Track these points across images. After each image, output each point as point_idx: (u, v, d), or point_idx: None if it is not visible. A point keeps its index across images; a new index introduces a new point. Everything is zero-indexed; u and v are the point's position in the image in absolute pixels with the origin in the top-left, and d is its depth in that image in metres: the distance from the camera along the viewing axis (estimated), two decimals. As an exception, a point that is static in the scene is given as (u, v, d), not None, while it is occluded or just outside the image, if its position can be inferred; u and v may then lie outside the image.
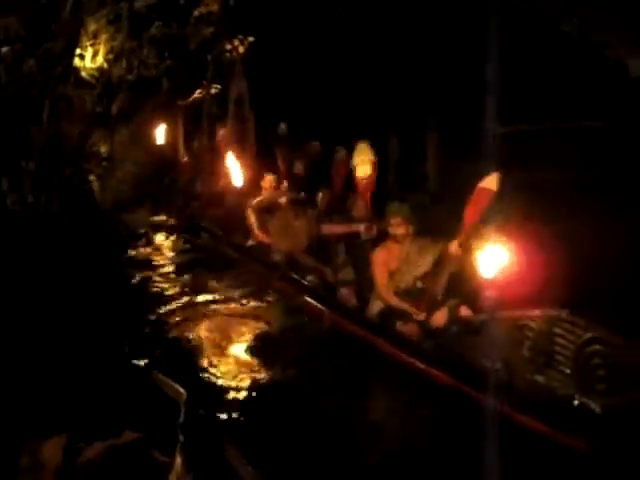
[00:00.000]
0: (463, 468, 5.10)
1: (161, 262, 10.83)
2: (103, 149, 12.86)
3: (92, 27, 13.09)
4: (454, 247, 6.98)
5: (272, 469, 5.12)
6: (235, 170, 11.00)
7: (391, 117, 13.40)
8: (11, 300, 7.29)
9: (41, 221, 9.20)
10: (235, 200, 11.26)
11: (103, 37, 13.08)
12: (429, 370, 6.53)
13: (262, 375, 6.91)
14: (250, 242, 10.51)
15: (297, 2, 13.66)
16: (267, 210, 10.26)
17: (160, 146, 15.20)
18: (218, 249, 11.14)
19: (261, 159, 12.26)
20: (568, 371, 5.71)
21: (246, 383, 6.71)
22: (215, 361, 7.21)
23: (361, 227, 8.64)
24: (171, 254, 11.43)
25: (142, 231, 12.46)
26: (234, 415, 6.06)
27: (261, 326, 8.27)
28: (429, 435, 5.62)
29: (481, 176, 7.45)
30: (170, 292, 9.44)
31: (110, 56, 12.98)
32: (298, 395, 6.45)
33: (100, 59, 12.97)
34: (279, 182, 10.86)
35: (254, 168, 11.57)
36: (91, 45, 12.88)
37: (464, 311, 7.01)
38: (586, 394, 5.42)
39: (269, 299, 9.09)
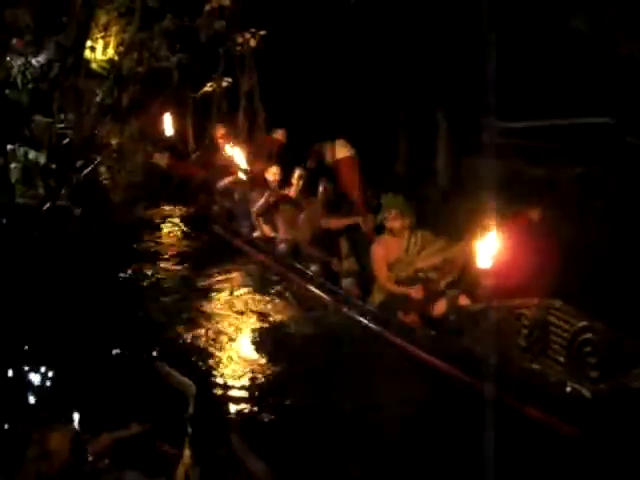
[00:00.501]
0: (459, 451, 5.37)
1: (169, 253, 10.86)
2: (113, 141, 12.85)
3: (103, 19, 13.08)
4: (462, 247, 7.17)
5: (280, 462, 5.11)
6: (242, 163, 11.07)
7: (401, 112, 13.38)
8: (22, 291, 7.29)
9: (51, 213, 9.18)
10: (242, 191, 11.37)
11: (114, 29, 13.09)
12: (428, 358, 6.75)
13: (269, 368, 6.91)
14: (256, 234, 10.63)
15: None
16: (273, 206, 10.39)
17: (170, 138, 15.22)
18: (225, 240, 11.23)
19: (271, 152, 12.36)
20: (561, 359, 5.91)
21: (254, 376, 6.71)
22: (222, 354, 7.21)
23: (359, 219, 8.70)
24: (179, 245, 11.46)
25: (152, 222, 12.52)
26: (242, 408, 6.06)
27: (267, 317, 8.29)
28: (428, 420, 5.87)
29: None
30: (175, 283, 9.48)
31: (121, 48, 12.96)
32: (305, 387, 6.46)
33: (111, 51, 12.97)
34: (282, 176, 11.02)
35: (263, 161, 11.66)
36: (102, 37, 12.89)
37: (463, 300, 7.17)
38: (578, 381, 5.66)
39: (274, 290, 9.16)
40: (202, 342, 7.56)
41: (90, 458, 4.71)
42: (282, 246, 10.07)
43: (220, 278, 9.68)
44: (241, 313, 8.47)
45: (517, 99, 10.89)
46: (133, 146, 14.05)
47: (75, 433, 4.80)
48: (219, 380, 6.63)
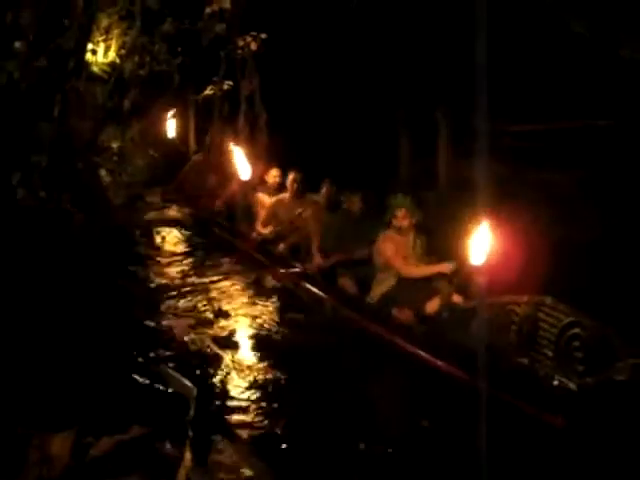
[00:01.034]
0: (452, 444, 5.61)
1: (168, 254, 10.90)
2: (114, 144, 12.86)
3: (104, 22, 13.07)
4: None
5: (280, 463, 5.13)
6: (242, 164, 11.19)
7: (403, 114, 13.39)
8: (20, 294, 7.28)
9: (52, 216, 9.18)
10: (242, 193, 11.53)
11: (115, 32, 13.06)
12: (421, 353, 6.97)
13: (268, 370, 6.93)
14: (255, 234, 11.04)
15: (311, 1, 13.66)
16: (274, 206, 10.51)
17: (172, 141, 15.28)
18: (225, 240, 11.39)
19: (272, 154, 12.45)
20: (550, 353, 6.16)
21: (253, 378, 6.71)
22: (223, 356, 7.22)
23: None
24: (179, 246, 11.52)
25: (152, 224, 12.56)
26: (242, 410, 6.06)
27: (267, 317, 8.32)
28: (421, 414, 6.08)
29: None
30: (176, 283, 9.50)
31: (122, 51, 12.97)
32: (304, 388, 6.48)
33: (112, 54, 12.95)
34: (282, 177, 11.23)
35: (264, 163, 11.78)
36: (103, 40, 12.87)
37: (456, 297, 7.47)
38: (565, 374, 5.93)
39: (271, 287, 9.24)
40: (200, 342, 7.57)
41: (91, 462, 4.71)
42: (282, 246, 10.34)
43: (217, 278, 9.75)
44: (241, 310, 8.53)
45: (519, 102, 10.93)
46: (134, 149, 14.06)
47: (76, 437, 4.79)
48: (219, 382, 6.63)
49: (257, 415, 6.07)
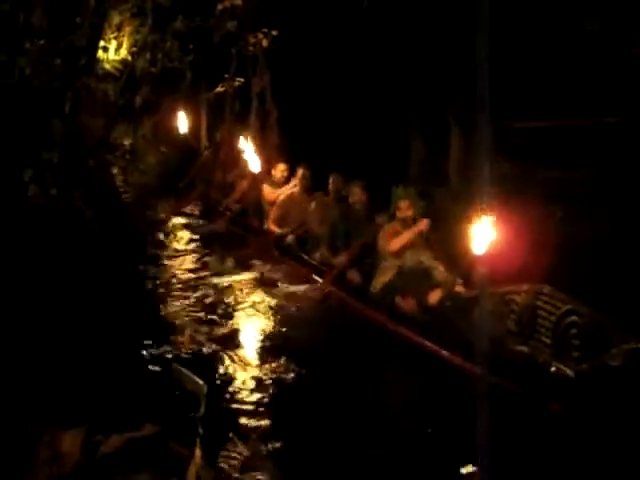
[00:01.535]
0: (453, 429, 5.75)
1: (180, 251, 10.91)
2: (126, 141, 12.87)
3: (116, 20, 13.07)
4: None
5: (289, 461, 5.13)
6: (252, 159, 11.27)
7: (414, 112, 13.36)
8: (32, 291, 7.30)
9: (63, 213, 9.20)
10: (252, 187, 11.66)
11: (127, 30, 13.06)
12: (424, 341, 7.24)
13: (279, 368, 6.92)
14: (265, 227, 11.46)
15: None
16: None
17: (183, 138, 15.30)
18: (235, 233, 11.48)
19: (283, 150, 12.51)
20: (548, 341, 6.40)
21: (263, 376, 6.71)
22: (232, 353, 7.22)
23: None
24: (190, 243, 11.53)
25: (164, 220, 12.59)
26: (253, 408, 6.06)
27: (275, 312, 8.34)
28: (423, 401, 6.36)
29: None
30: (185, 278, 9.51)
31: (134, 49, 12.97)
32: (313, 387, 6.48)
33: (124, 52, 12.95)
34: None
35: (274, 158, 11.88)
36: (115, 38, 12.86)
37: (458, 287, 7.67)
38: (562, 361, 6.12)
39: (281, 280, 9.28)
40: (210, 339, 7.57)
41: (101, 459, 4.72)
42: (290, 237, 10.66)
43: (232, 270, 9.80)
44: (251, 306, 8.54)
45: (530, 99, 10.89)
46: (146, 147, 14.07)
47: (86, 434, 4.80)
48: (230, 379, 6.62)
49: (266, 412, 6.07)
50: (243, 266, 10.30)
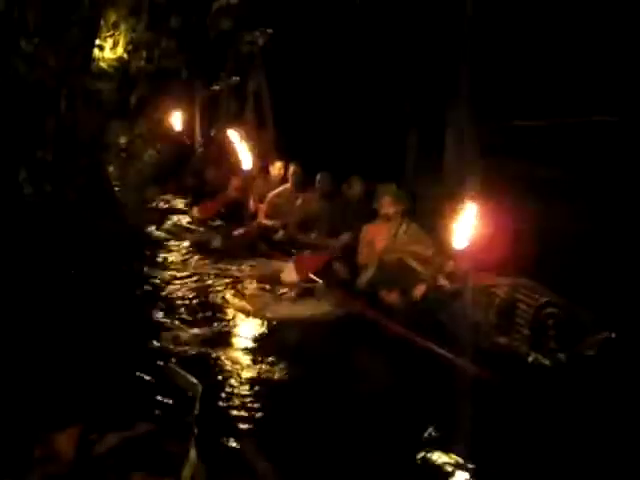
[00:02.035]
0: (433, 415, 5.82)
1: (173, 249, 10.92)
2: (122, 140, 12.90)
3: (112, 18, 13.09)
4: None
5: (286, 461, 5.12)
6: (244, 156, 11.34)
7: (411, 112, 13.37)
8: (26, 291, 7.30)
9: (58, 212, 9.20)
10: (244, 184, 11.77)
11: (123, 28, 13.09)
12: (407, 333, 7.23)
13: (272, 367, 6.93)
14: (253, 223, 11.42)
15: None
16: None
17: (178, 136, 15.29)
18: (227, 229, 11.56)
19: (278, 148, 12.57)
20: (527, 332, 6.47)
21: (257, 375, 6.71)
22: (227, 352, 7.22)
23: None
24: (184, 241, 11.54)
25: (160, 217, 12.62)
26: (248, 407, 6.05)
27: (269, 311, 8.35)
28: (405, 389, 6.33)
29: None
30: (180, 275, 9.53)
31: (129, 47, 13.00)
32: (305, 384, 6.50)
33: (120, 50, 12.98)
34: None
35: (270, 156, 11.93)
36: (110, 36, 12.90)
37: (442, 281, 7.67)
38: (540, 351, 6.29)
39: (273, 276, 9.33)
40: (205, 339, 7.57)
41: (96, 458, 4.71)
42: (280, 233, 10.70)
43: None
44: (244, 305, 8.56)
45: (525, 98, 10.90)
46: (142, 145, 14.08)
47: (81, 434, 4.79)
48: (225, 378, 6.62)
49: (263, 411, 6.07)
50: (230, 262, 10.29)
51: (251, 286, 9.15)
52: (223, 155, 12.92)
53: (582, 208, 9.44)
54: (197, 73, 14.66)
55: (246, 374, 6.70)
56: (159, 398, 5.77)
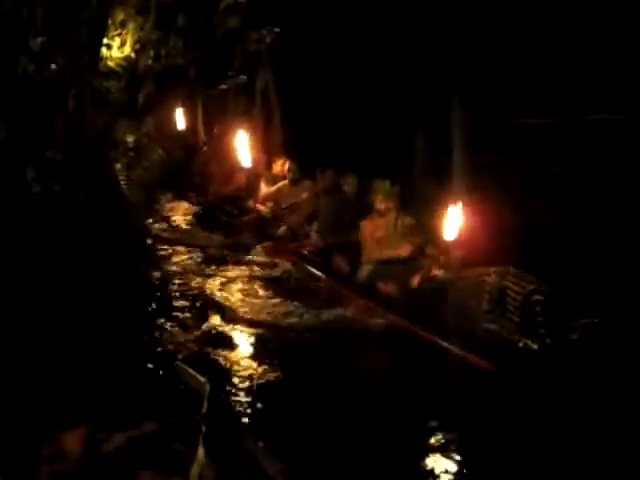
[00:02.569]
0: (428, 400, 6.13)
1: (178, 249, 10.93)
2: (129, 138, 12.90)
3: (120, 17, 13.10)
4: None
5: (295, 461, 5.12)
6: (244, 153, 11.54)
7: (418, 110, 13.35)
8: (34, 289, 7.32)
9: (66, 211, 9.21)
10: (245, 181, 12.17)
11: (130, 27, 13.10)
12: (403, 322, 7.60)
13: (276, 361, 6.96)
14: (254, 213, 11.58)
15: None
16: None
17: (183, 134, 15.29)
18: (229, 225, 11.68)
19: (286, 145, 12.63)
20: (517, 319, 6.81)
21: (263, 373, 6.71)
22: (231, 351, 7.22)
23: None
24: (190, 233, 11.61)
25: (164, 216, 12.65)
26: (256, 406, 6.05)
27: (277, 307, 8.39)
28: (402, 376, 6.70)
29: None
30: (182, 275, 9.55)
31: (137, 46, 13.00)
32: (314, 384, 6.51)
33: (127, 49, 12.99)
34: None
35: (278, 154, 11.98)
36: (118, 35, 12.90)
37: (436, 271, 7.99)
38: (529, 337, 6.64)
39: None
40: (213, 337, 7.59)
41: (104, 457, 4.71)
42: (282, 229, 10.80)
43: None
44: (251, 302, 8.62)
45: (530, 96, 10.90)
46: (150, 144, 14.08)
47: (89, 433, 4.80)
48: (233, 377, 6.62)
49: (271, 410, 6.07)
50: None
51: (249, 286, 9.21)
52: (226, 152, 12.93)
53: (581, 205, 9.58)
54: (204, 71, 14.65)
55: (252, 372, 6.71)
56: (167, 397, 5.79)
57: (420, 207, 8.97)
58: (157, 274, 9.61)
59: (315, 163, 10.90)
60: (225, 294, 8.88)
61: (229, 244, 10.79)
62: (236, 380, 6.55)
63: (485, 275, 7.24)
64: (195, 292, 8.98)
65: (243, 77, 14.17)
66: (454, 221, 7.25)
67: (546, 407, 5.83)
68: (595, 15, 10.61)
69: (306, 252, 9.85)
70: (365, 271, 8.60)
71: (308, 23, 13.51)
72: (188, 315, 8.14)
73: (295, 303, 8.50)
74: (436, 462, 5.37)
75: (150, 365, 6.57)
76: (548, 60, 11.19)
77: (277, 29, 13.27)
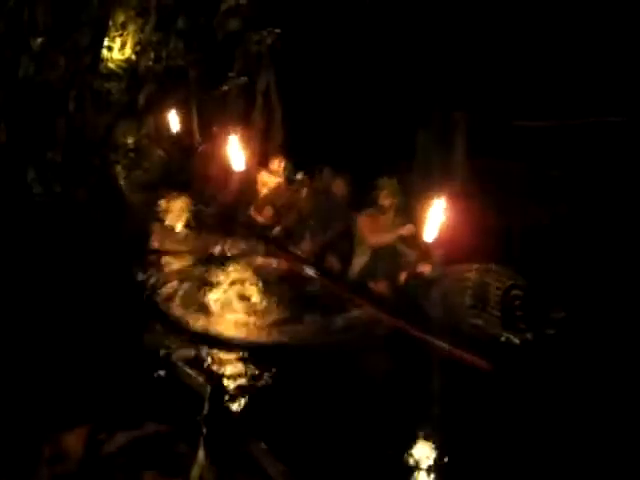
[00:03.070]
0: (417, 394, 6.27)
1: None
2: (129, 140, 12.89)
3: (120, 19, 13.08)
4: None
5: (296, 462, 5.11)
6: (237, 155, 11.67)
7: (421, 111, 13.36)
8: (34, 290, 7.31)
9: (67, 212, 9.21)
10: (241, 182, 12.02)
11: (131, 28, 13.08)
12: (391, 317, 7.76)
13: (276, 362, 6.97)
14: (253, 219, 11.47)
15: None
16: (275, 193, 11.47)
17: (180, 136, 15.30)
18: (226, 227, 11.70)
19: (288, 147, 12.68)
20: (498, 313, 7.02)
21: (263, 374, 6.72)
22: (230, 353, 7.22)
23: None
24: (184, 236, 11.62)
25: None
26: (256, 407, 6.06)
27: (274, 307, 8.40)
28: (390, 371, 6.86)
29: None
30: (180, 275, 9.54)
31: (138, 47, 13.00)
32: (315, 385, 6.51)
33: (128, 50, 12.97)
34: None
35: (279, 155, 12.02)
36: (119, 36, 12.88)
37: (423, 268, 8.06)
38: (511, 331, 6.88)
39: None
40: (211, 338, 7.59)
41: (105, 458, 4.72)
42: (276, 229, 10.77)
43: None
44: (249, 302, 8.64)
45: (534, 98, 10.90)
46: (150, 145, 14.09)
47: (90, 433, 4.80)
48: (233, 379, 6.62)
49: (272, 411, 6.07)
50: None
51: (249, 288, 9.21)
52: (223, 154, 12.95)
53: (581, 206, 9.67)
54: (205, 73, 14.66)
55: (251, 374, 6.71)
56: (168, 398, 5.79)
57: (416, 204, 9.05)
58: (156, 276, 9.57)
59: (312, 162, 10.99)
60: (223, 296, 8.86)
61: (225, 247, 10.78)
62: (236, 381, 6.56)
63: (467, 272, 7.48)
64: (193, 295, 8.96)
65: (244, 78, 14.18)
66: (435, 219, 7.53)
67: (532, 401, 6.01)
68: (595, 17, 10.62)
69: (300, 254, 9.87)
70: (356, 267, 8.78)
71: (308, 24, 13.52)
72: (187, 319, 8.09)
73: (294, 306, 8.40)
74: (431, 458, 5.45)
75: (149, 366, 6.56)
76: (548, 62, 11.19)
77: (278, 30, 13.27)
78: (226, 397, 6.11)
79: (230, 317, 8.05)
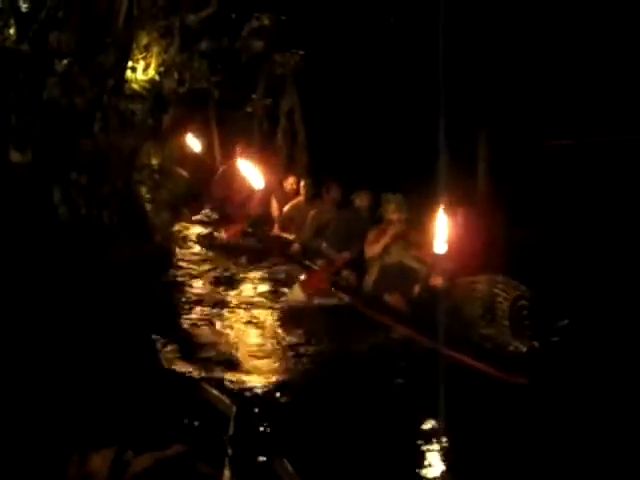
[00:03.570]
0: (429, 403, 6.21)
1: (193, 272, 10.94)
2: (154, 161, 12.92)
3: (144, 40, 13.14)
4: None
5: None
6: (253, 175, 12.39)
7: (442, 130, 13.32)
8: (61, 310, 7.32)
9: (92, 234, 9.24)
10: (261, 200, 12.68)
11: (155, 50, 13.14)
12: (406, 330, 8.04)
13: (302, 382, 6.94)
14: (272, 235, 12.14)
15: (348, 16, 13.67)
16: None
17: (202, 157, 15.43)
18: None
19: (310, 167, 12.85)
20: (506, 323, 7.24)
21: (287, 394, 6.68)
22: (253, 374, 7.18)
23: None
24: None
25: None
26: (281, 426, 6.01)
27: (298, 326, 8.40)
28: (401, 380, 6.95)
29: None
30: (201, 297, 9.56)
31: (161, 69, 13.05)
32: (342, 404, 6.48)
33: (152, 72, 13.01)
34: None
35: (304, 176, 12.21)
36: (143, 58, 12.93)
37: (435, 280, 8.27)
38: (519, 340, 7.11)
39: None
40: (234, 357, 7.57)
41: (130, 479, 4.69)
42: (295, 246, 11.13)
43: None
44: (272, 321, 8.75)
45: (557, 117, 10.91)
46: (174, 166, 14.14)
47: (116, 454, 4.77)
48: (259, 399, 6.58)
49: (298, 431, 6.02)
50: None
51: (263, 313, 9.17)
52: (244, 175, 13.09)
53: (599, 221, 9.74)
54: (229, 94, 14.73)
55: (276, 393, 6.68)
56: (193, 419, 5.76)
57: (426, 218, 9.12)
58: (181, 299, 9.57)
59: (332, 180, 11.11)
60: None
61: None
62: (263, 402, 6.52)
63: (476, 283, 7.67)
64: (212, 315, 8.97)
65: (268, 100, 14.25)
66: (444, 233, 7.63)
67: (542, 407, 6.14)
68: (619, 38, 10.61)
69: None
70: (370, 280, 8.97)
71: (332, 45, 13.56)
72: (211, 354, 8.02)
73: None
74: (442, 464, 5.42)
75: (177, 385, 6.55)
76: (571, 82, 11.20)
77: (301, 52, 13.32)
78: (251, 417, 6.09)
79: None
